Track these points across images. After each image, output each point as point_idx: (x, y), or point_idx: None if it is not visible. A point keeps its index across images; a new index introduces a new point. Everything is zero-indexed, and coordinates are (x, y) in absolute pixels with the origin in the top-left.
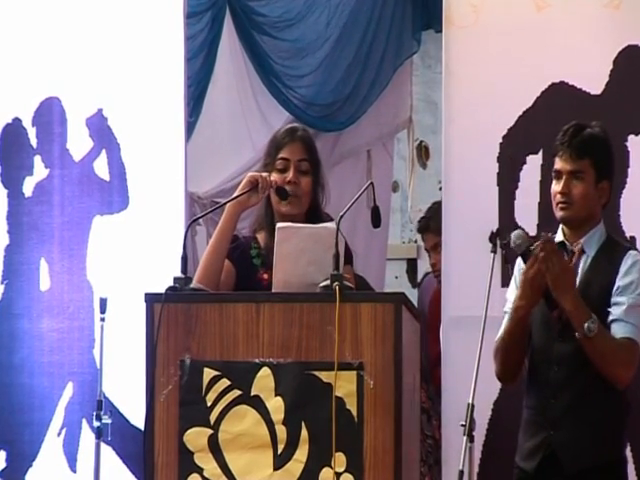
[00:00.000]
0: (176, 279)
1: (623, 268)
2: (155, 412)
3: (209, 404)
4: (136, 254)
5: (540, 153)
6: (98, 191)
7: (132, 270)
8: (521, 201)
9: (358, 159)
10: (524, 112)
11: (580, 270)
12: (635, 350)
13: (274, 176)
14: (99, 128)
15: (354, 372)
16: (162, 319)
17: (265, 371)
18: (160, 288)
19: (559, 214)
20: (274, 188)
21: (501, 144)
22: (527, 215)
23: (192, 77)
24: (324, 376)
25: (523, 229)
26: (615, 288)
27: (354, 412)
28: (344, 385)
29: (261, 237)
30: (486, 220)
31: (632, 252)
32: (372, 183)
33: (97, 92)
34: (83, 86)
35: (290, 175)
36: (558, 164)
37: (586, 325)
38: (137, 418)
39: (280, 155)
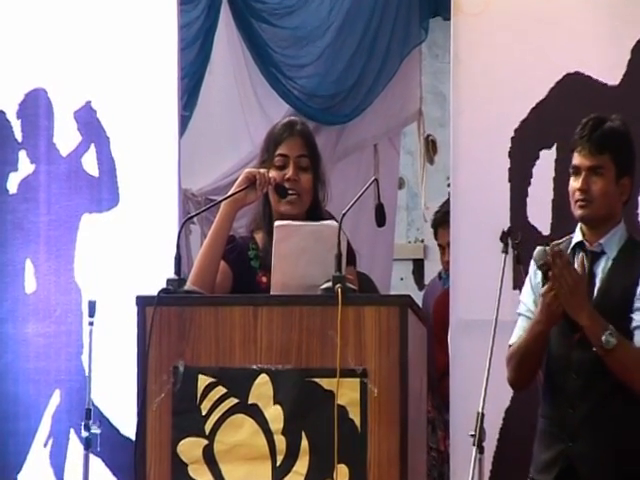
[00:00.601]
0: (169, 281)
1: None
2: (147, 421)
3: (204, 413)
4: (127, 254)
5: (554, 148)
6: (87, 188)
7: (122, 271)
8: (534, 198)
9: (363, 154)
10: (537, 104)
11: (600, 272)
12: None
13: (273, 173)
14: (88, 121)
15: (357, 379)
16: (154, 323)
17: (263, 378)
18: (152, 290)
19: (578, 212)
20: (273, 185)
21: (513, 138)
22: (540, 213)
23: (187, 68)
24: (325, 383)
25: (547, 243)
26: (639, 292)
27: (357, 421)
28: (346, 393)
29: (259, 238)
30: (497, 218)
31: None
32: (377, 179)
33: (86, 83)
34: (71, 77)
35: (290, 172)
36: (577, 159)
37: (604, 338)
38: (128, 428)
39: (278, 151)
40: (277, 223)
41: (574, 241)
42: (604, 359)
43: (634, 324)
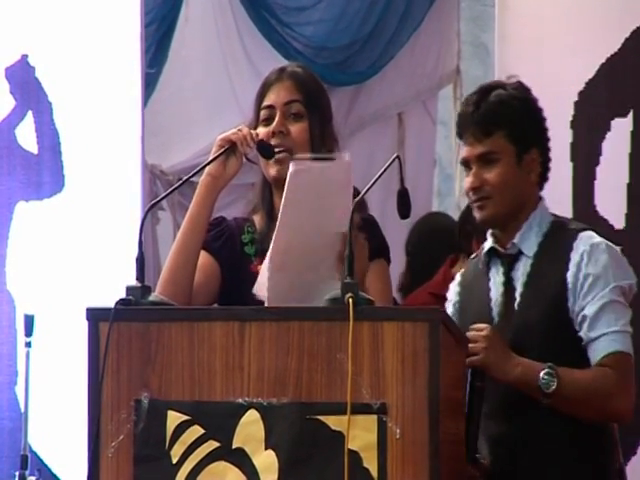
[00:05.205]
0: (130, 289)
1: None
2: (100, 472)
3: (175, 460)
4: (74, 254)
5: (630, 116)
6: (22, 168)
7: (69, 277)
8: (604, 182)
9: (387, 124)
10: (607, 60)
11: (520, 277)
12: (623, 366)
13: (258, 130)
14: (24, 81)
15: (374, 417)
16: (110, 344)
17: (252, 415)
18: (108, 301)
19: (476, 214)
20: (255, 143)
21: (576, 104)
22: (612, 201)
23: (153, 12)
24: (333, 422)
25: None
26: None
27: (374, 471)
28: (360, 434)
29: (258, 219)
30: (556, 208)
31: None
32: (399, 157)
33: (21, 32)
34: (2, 25)
35: (274, 124)
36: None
37: (541, 376)
38: (74, 479)
39: (264, 103)
40: (292, 167)
41: (485, 248)
42: (555, 408)
43: (584, 339)
